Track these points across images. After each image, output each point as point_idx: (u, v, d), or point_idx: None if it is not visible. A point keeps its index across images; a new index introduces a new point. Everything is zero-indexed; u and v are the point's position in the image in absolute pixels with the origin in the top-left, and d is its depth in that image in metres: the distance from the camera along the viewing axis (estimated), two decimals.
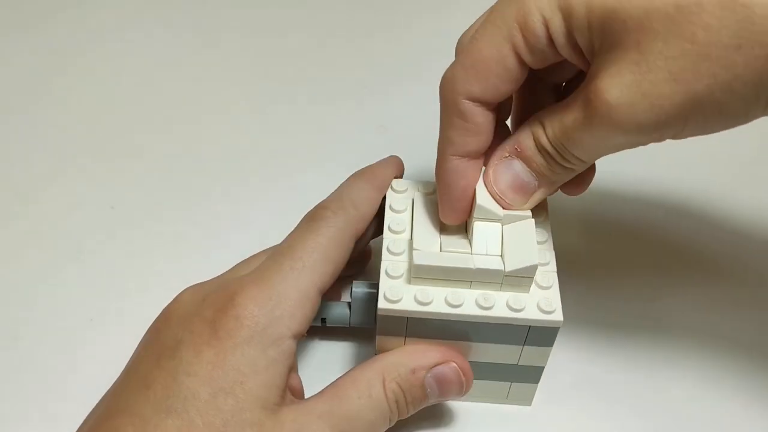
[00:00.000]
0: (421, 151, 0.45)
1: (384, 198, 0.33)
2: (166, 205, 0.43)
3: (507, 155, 0.29)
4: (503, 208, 0.30)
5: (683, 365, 0.36)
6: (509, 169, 0.29)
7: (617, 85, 0.24)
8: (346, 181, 0.34)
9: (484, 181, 0.30)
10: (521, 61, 0.27)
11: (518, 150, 0.29)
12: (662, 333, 0.37)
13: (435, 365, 0.30)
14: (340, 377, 0.30)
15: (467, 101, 0.28)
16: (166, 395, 0.26)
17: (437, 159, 0.30)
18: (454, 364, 0.30)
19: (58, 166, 0.45)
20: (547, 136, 0.28)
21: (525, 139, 0.29)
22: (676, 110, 0.24)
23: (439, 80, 0.29)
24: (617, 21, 0.24)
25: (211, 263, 0.38)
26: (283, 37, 0.54)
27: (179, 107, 0.49)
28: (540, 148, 0.29)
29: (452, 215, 0.30)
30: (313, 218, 0.31)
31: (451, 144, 0.29)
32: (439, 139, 0.30)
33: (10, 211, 0.42)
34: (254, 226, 0.41)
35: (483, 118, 0.28)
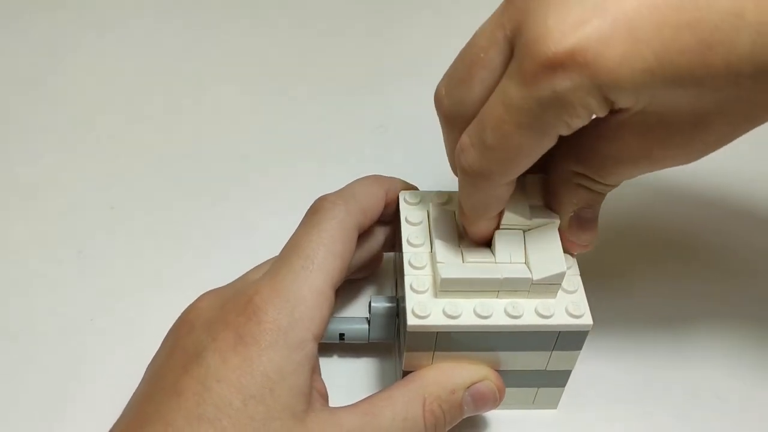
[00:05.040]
0: (421, 151, 0.45)
1: (388, 206, 0.33)
2: (166, 205, 0.43)
3: (572, 213, 0.30)
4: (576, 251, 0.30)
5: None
6: (578, 221, 0.30)
7: (679, 143, 0.26)
8: (351, 181, 0.34)
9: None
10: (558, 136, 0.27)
11: (578, 204, 0.29)
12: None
13: (472, 384, 0.30)
14: (376, 393, 0.29)
15: (505, 186, 0.27)
16: (198, 403, 0.26)
17: (472, 223, 0.29)
18: (490, 381, 0.30)
19: (58, 166, 0.45)
20: (601, 183, 0.29)
21: (578, 194, 0.29)
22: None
23: (434, 91, 0.28)
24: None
25: (211, 263, 0.39)
26: (283, 37, 0.54)
27: (179, 107, 0.49)
28: (596, 190, 0.29)
29: (484, 241, 0.30)
30: (314, 211, 0.31)
31: (493, 212, 0.29)
32: (474, 210, 0.29)
33: (11, 211, 0.42)
34: (254, 225, 0.41)
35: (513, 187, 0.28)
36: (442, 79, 0.28)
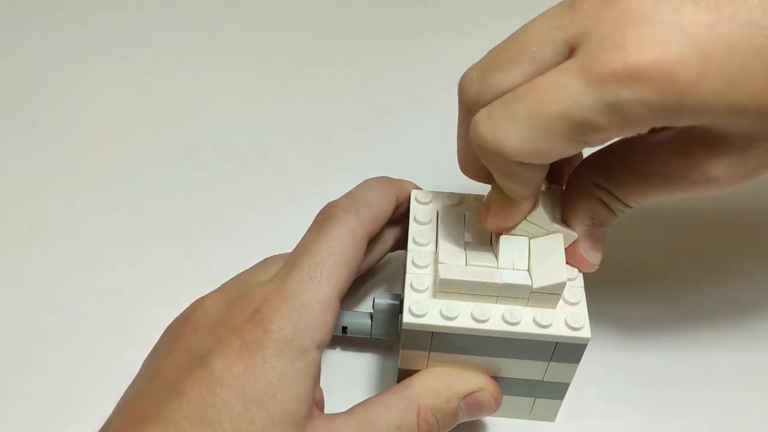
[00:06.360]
0: (422, 152, 0.45)
1: (398, 207, 0.33)
2: (166, 205, 0.43)
3: (586, 228, 0.30)
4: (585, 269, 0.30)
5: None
6: (591, 238, 0.30)
7: (722, 166, 0.26)
8: (361, 183, 0.33)
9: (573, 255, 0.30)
10: None
11: (595, 219, 0.29)
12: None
13: (469, 393, 0.30)
14: (371, 399, 0.29)
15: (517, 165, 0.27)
16: (200, 405, 0.26)
17: (502, 203, 0.29)
18: (487, 391, 0.30)
19: (58, 166, 0.45)
20: (623, 202, 0.29)
21: (597, 209, 0.29)
22: None
23: (457, 85, 0.28)
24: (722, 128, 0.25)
25: (211, 263, 0.39)
26: (284, 36, 0.54)
27: (179, 107, 0.49)
28: (614, 210, 0.29)
29: (502, 230, 0.30)
30: (325, 218, 0.31)
31: (522, 195, 0.29)
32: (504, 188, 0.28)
33: (10, 211, 0.42)
34: (254, 226, 0.41)
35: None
36: (474, 66, 0.28)
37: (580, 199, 0.30)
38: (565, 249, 0.30)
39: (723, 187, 0.27)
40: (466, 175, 0.31)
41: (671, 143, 0.27)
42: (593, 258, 0.30)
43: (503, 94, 0.26)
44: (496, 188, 0.29)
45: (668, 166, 0.27)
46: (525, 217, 0.29)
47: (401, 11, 0.57)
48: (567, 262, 0.30)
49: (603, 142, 0.25)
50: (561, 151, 0.25)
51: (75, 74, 0.51)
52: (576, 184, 0.30)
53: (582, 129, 0.24)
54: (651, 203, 0.29)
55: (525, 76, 0.26)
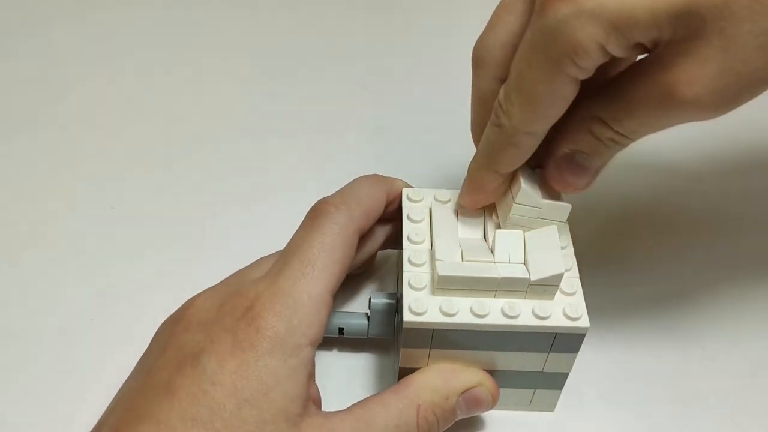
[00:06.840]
0: (421, 151, 0.45)
1: (389, 205, 0.33)
2: (166, 205, 0.43)
3: (567, 151, 0.29)
4: (565, 191, 0.30)
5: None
6: (567, 161, 0.29)
7: (707, 75, 0.24)
8: (352, 180, 0.34)
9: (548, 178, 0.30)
10: (576, 82, 0.26)
11: (575, 144, 0.29)
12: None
13: (467, 389, 0.30)
14: (370, 398, 0.29)
15: (527, 135, 0.28)
16: (192, 404, 0.26)
17: (478, 169, 0.30)
18: (485, 387, 0.30)
19: (58, 166, 0.45)
20: (614, 130, 0.28)
21: (584, 137, 0.28)
22: (766, 74, 0.25)
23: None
24: (693, 16, 0.24)
25: (211, 263, 0.39)
26: (283, 38, 0.54)
27: (179, 107, 0.49)
28: (604, 140, 0.28)
29: (474, 206, 0.31)
30: (316, 214, 0.31)
31: (504, 165, 0.29)
32: (487, 154, 0.29)
33: (10, 211, 0.42)
34: (253, 225, 0.41)
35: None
36: (479, 36, 0.30)
37: (569, 129, 0.29)
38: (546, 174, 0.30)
39: (709, 109, 0.25)
40: (477, 143, 0.31)
41: (657, 60, 0.26)
42: (565, 178, 0.29)
43: (494, 50, 0.29)
44: (476, 161, 0.30)
45: (655, 86, 0.26)
46: (513, 200, 0.30)
47: (401, 13, 0.57)
48: (550, 183, 0.30)
49: (584, 69, 0.25)
50: (556, 96, 0.26)
51: (75, 74, 0.51)
52: (571, 116, 0.29)
53: (549, 66, 0.25)
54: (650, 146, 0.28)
55: (508, 29, 0.29)
